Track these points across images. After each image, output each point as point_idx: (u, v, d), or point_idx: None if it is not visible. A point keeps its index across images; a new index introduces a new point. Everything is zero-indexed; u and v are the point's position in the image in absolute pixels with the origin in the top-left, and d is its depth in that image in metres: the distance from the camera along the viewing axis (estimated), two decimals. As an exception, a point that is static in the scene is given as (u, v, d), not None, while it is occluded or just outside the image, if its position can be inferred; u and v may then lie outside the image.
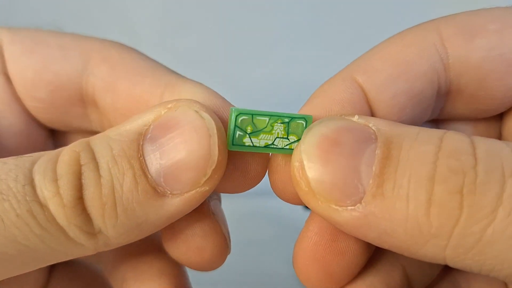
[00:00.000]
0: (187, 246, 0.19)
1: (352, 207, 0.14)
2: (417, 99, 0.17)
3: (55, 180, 0.15)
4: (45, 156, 0.16)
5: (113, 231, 0.15)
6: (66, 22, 0.52)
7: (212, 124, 0.15)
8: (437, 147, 0.13)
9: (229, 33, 0.50)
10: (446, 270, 0.20)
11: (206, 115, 0.15)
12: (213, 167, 0.15)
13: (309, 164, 0.14)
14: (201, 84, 0.18)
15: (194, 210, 0.17)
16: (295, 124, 0.17)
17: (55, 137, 0.22)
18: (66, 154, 0.15)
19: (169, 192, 0.15)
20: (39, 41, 0.20)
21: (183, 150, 0.15)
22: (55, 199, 0.15)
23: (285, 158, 0.17)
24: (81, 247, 0.16)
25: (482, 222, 0.13)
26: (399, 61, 0.16)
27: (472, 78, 0.17)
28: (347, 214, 0.14)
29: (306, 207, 0.41)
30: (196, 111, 0.15)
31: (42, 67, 0.20)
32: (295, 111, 0.18)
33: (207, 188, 0.16)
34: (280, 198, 0.19)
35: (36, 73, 0.20)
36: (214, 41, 0.51)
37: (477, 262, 0.13)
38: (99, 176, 0.15)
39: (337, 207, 0.14)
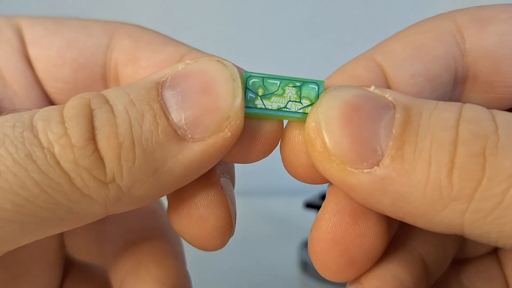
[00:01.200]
0: (190, 216, 0.18)
1: (369, 170, 0.14)
2: (435, 83, 0.17)
3: (62, 122, 0.14)
4: (47, 107, 0.15)
5: (129, 176, 0.14)
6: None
7: (234, 69, 0.16)
8: (458, 114, 0.14)
9: (229, 33, 0.50)
10: (451, 268, 0.20)
11: (228, 63, 0.16)
12: (236, 110, 0.15)
13: (327, 125, 0.14)
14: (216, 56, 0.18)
15: (202, 177, 0.17)
16: (307, 88, 0.17)
17: None
18: (74, 99, 0.15)
19: (190, 136, 0.15)
20: (62, 23, 0.20)
21: (206, 93, 0.15)
22: (62, 139, 0.14)
23: (299, 128, 0.17)
24: (88, 200, 0.14)
25: (504, 184, 0.13)
26: (417, 44, 0.17)
27: (487, 64, 0.17)
28: (363, 177, 0.14)
29: (308, 206, 0.41)
30: (218, 61, 0.16)
31: (66, 45, 0.20)
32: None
33: (229, 135, 0.15)
34: (290, 173, 0.18)
35: (60, 52, 0.20)
36: (214, 41, 0.51)
37: (496, 227, 0.13)
38: (114, 116, 0.14)
39: (352, 169, 0.14)
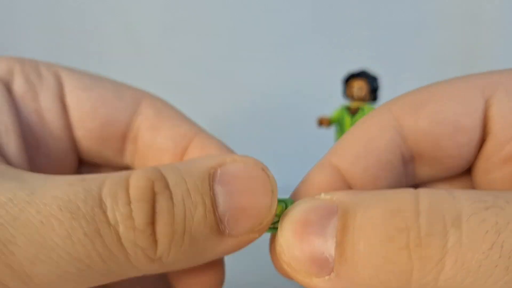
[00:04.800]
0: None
1: (329, 276, 0.16)
2: (387, 169, 0.20)
3: (128, 203, 0.16)
4: (112, 180, 0.17)
5: (173, 257, 0.17)
6: (67, 21, 0.52)
7: (274, 182, 0.18)
8: (384, 209, 0.15)
9: (230, 33, 0.50)
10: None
11: (271, 174, 0.18)
12: (269, 219, 0.18)
13: (286, 245, 0.17)
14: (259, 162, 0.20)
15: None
16: (280, 205, 0.18)
17: (82, 168, 0.25)
18: (141, 180, 0.17)
19: (227, 232, 0.17)
20: (96, 80, 0.23)
21: (250, 199, 0.17)
22: (128, 221, 0.16)
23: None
24: (135, 270, 0.17)
25: (433, 272, 0.14)
26: (364, 141, 0.20)
27: (427, 143, 0.19)
28: (327, 284, 0.16)
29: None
30: (263, 169, 0.18)
31: (99, 102, 0.23)
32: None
33: (257, 236, 0.18)
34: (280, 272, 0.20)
35: (93, 107, 0.23)
36: (214, 41, 0.51)
37: None
38: (172, 205, 0.17)
39: (317, 279, 0.16)
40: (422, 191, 0.15)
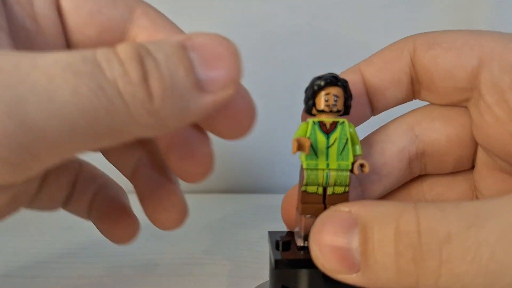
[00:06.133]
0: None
1: (356, 274, 0.20)
2: (396, 85, 0.26)
3: (121, 63, 0.18)
4: (102, 49, 0.18)
5: (167, 110, 0.19)
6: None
7: (236, 46, 0.21)
8: (395, 229, 0.19)
9: (230, 33, 0.51)
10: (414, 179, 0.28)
11: (233, 42, 0.21)
12: (239, 77, 0.20)
13: (322, 256, 0.21)
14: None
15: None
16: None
17: None
18: (127, 46, 0.19)
19: (206, 88, 0.20)
20: None
21: (220, 60, 0.20)
22: (124, 77, 0.18)
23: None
24: (135, 123, 0.19)
25: (432, 278, 0.19)
26: (387, 59, 0.26)
27: (426, 76, 0.26)
28: (355, 279, 0.20)
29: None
30: (225, 38, 0.20)
31: (96, 10, 0.24)
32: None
33: (231, 91, 0.20)
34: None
35: (90, 14, 0.24)
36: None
37: None
38: (159, 65, 0.19)
39: (347, 276, 0.20)
40: (421, 212, 0.19)
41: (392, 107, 0.27)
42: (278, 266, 0.23)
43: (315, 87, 0.24)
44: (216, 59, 0.20)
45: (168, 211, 0.26)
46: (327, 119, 0.24)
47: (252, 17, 0.50)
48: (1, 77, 0.17)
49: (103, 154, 0.27)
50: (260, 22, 0.50)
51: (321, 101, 0.24)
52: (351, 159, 0.24)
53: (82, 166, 0.29)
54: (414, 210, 0.20)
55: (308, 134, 0.24)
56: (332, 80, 0.24)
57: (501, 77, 0.24)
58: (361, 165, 0.24)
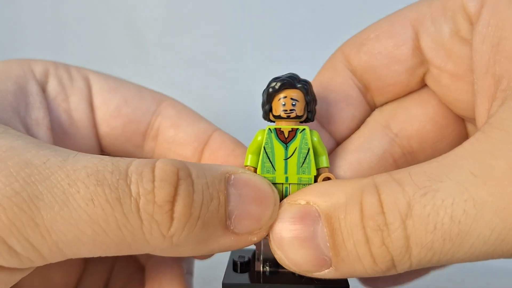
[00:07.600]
0: None
1: (328, 270, 0.19)
2: (349, 102, 0.25)
3: (152, 181, 0.18)
4: (140, 161, 0.19)
5: (183, 238, 0.18)
6: (70, 21, 0.52)
7: (278, 198, 0.21)
8: (360, 213, 0.18)
9: (230, 33, 0.51)
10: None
11: (275, 190, 0.21)
12: (268, 226, 0.20)
13: (286, 257, 0.20)
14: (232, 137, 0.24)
15: (173, 269, 0.24)
16: None
17: None
18: (167, 164, 0.19)
19: (232, 228, 0.19)
20: (121, 83, 0.26)
21: (256, 205, 0.20)
22: (149, 195, 0.18)
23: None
24: (145, 244, 0.18)
25: (406, 255, 0.18)
26: (326, 81, 0.25)
27: (369, 74, 0.24)
28: (328, 274, 0.20)
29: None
30: (269, 184, 0.21)
31: (123, 103, 0.25)
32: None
33: (255, 239, 0.20)
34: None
35: (117, 107, 0.25)
36: (215, 41, 0.51)
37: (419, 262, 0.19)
38: (193, 191, 0.18)
39: (319, 273, 0.20)
40: (381, 188, 0.19)
41: (355, 129, 0.25)
42: None
43: (270, 90, 0.21)
44: (253, 202, 0.20)
45: None
46: (285, 126, 0.21)
47: (252, 15, 0.50)
48: (27, 171, 0.17)
49: None
50: (260, 19, 0.49)
51: (278, 106, 0.21)
52: (313, 172, 0.21)
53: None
54: (375, 188, 0.19)
55: (263, 143, 0.21)
56: (289, 82, 0.21)
57: (438, 29, 0.22)
58: (327, 179, 0.21)
